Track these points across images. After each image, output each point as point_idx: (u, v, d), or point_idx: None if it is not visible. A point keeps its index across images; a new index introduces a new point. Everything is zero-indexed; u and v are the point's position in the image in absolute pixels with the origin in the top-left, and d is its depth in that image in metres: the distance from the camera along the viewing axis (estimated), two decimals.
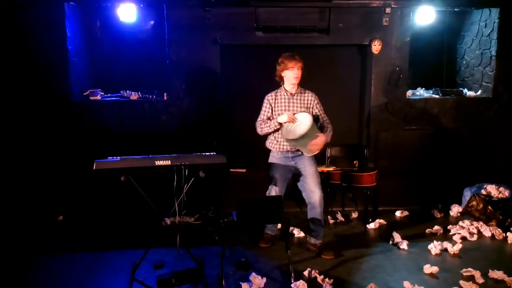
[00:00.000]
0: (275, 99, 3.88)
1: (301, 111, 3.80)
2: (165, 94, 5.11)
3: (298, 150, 3.83)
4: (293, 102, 3.85)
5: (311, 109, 3.86)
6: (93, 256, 3.86)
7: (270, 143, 3.94)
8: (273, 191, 3.88)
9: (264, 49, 5.36)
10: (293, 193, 4.12)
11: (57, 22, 4.80)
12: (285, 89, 3.88)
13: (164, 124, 5.09)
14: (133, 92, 5.16)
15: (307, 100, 3.87)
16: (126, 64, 5.50)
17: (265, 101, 3.91)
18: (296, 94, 3.86)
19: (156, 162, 3.18)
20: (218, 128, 5.17)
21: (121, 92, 5.24)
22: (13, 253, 3.96)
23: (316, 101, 3.89)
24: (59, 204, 4.88)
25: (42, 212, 4.79)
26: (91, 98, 5.10)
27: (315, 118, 3.82)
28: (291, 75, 3.77)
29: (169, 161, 3.19)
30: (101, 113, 5.01)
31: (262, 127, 3.86)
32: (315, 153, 3.75)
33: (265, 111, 3.90)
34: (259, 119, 3.92)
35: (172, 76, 5.06)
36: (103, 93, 5.27)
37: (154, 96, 5.14)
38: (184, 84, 5.07)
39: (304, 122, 3.67)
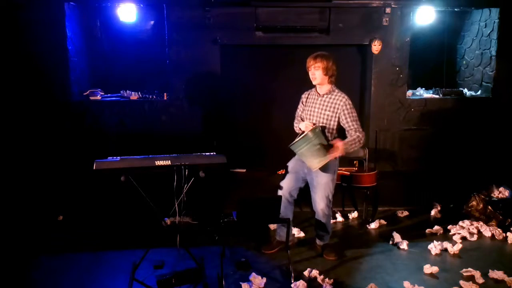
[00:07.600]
0: (307, 98, 3.80)
1: (326, 114, 3.62)
2: (165, 94, 5.11)
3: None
4: (319, 104, 3.67)
5: (337, 114, 3.57)
6: (93, 256, 3.86)
7: None
8: (280, 191, 3.80)
9: (264, 49, 5.36)
10: None
11: (57, 22, 4.80)
12: (316, 88, 3.77)
13: (164, 124, 5.09)
14: (133, 92, 5.16)
15: (335, 103, 3.58)
16: (126, 64, 5.50)
17: (301, 98, 3.89)
18: (324, 95, 3.67)
19: (156, 162, 3.17)
20: (218, 128, 5.17)
21: (121, 92, 5.24)
22: (13, 253, 3.96)
23: (345, 106, 3.54)
24: (59, 204, 4.88)
25: (42, 212, 4.79)
26: (91, 98, 5.10)
27: (323, 128, 3.59)
28: (310, 75, 3.68)
29: (169, 161, 3.18)
30: (101, 113, 5.01)
31: (295, 124, 3.88)
32: (321, 164, 3.48)
33: (298, 108, 3.89)
34: (296, 114, 3.92)
35: (172, 76, 5.06)
36: (103, 93, 5.26)
37: (154, 96, 5.14)
38: (184, 84, 5.07)
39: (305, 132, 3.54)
